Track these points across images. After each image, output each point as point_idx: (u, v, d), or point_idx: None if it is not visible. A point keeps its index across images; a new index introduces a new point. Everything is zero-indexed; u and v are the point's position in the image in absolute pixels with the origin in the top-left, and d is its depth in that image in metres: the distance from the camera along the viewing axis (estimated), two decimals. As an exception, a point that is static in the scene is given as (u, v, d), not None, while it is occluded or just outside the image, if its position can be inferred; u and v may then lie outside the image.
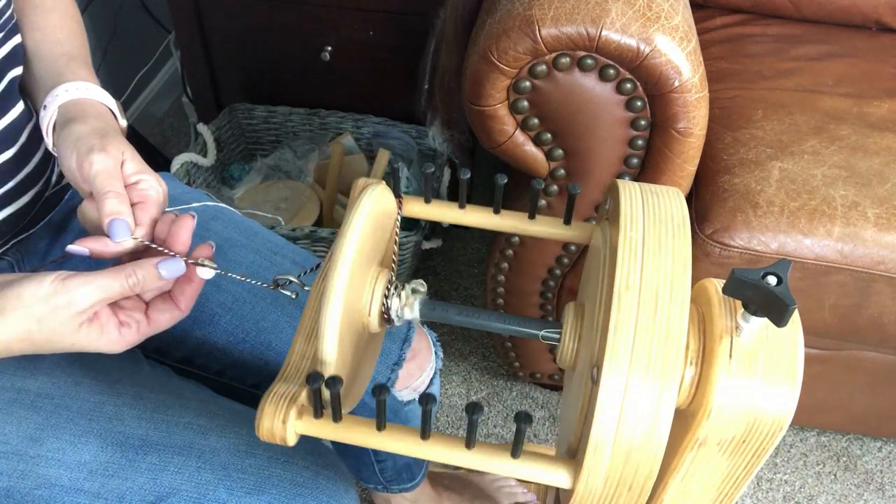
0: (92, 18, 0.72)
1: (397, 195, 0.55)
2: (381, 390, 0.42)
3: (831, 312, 0.98)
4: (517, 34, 0.80)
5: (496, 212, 0.56)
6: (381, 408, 0.44)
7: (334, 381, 0.43)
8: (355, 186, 0.56)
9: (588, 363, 0.45)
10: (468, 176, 0.53)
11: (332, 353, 0.45)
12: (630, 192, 0.47)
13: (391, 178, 0.55)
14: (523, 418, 0.41)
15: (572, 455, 0.48)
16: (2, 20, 0.64)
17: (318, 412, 0.45)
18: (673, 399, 0.40)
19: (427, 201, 0.56)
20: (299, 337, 0.52)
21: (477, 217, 0.57)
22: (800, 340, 0.43)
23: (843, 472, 1.32)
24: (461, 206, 0.56)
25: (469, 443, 0.44)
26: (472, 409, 0.41)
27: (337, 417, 0.45)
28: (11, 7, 0.66)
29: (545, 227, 0.56)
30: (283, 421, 0.45)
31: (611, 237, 0.47)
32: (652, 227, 0.44)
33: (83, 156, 0.56)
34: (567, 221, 0.56)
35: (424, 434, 0.44)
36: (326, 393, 0.44)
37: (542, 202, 0.99)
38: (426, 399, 0.41)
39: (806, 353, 1.11)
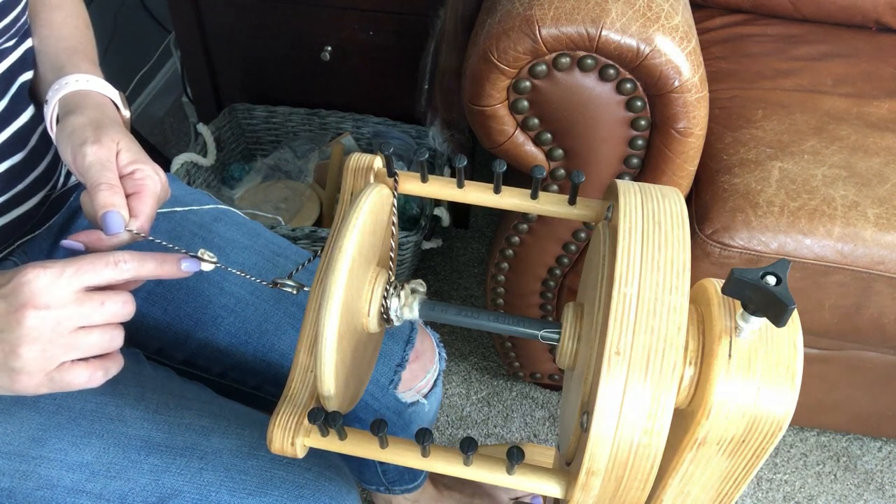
0: (92, 18, 0.72)
1: (391, 174, 0.54)
2: (379, 427, 0.46)
3: (831, 312, 0.98)
4: (517, 34, 0.80)
5: (496, 191, 0.54)
6: (382, 442, 0.48)
7: (335, 417, 0.46)
8: (347, 165, 0.55)
9: (579, 406, 0.45)
10: (465, 163, 0.51)
11: (331, 390, 0.47)
12: (629, 193, 0.47)
13: (385, 163, 0.54)
14: (515, 455, 0.44)
15: (570, 459, 0.48)
16: (17, 26, 0.64)
17: (323, 434, 0.49)
18: (672, 399, 0.40)
19: (423, 180, 0.54)
20: (301, 348, 0.52)
21: (477, 195, 0.54)
22: (799, 340, 0.43)
23: (843, 472, 1.32)
24: (459, 186, 0.54)
25: (466, 462, 0.47)
26: (467, 445, 0.44)
27: (342, 438, 0.49)
28: (26, 13, 0.66)
29: (550, 206, 0.54)
30: (292, 444, 0.48)
31: (610, 237, 0.47)
32: (651, 227, 0.44)
33: (77, 148, 0.55)
34: (572, 202, 0.54)
35: (425, 454, 0.48)
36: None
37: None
38: (422, 436, 0.45)
39: (806, 353, 1.11)
